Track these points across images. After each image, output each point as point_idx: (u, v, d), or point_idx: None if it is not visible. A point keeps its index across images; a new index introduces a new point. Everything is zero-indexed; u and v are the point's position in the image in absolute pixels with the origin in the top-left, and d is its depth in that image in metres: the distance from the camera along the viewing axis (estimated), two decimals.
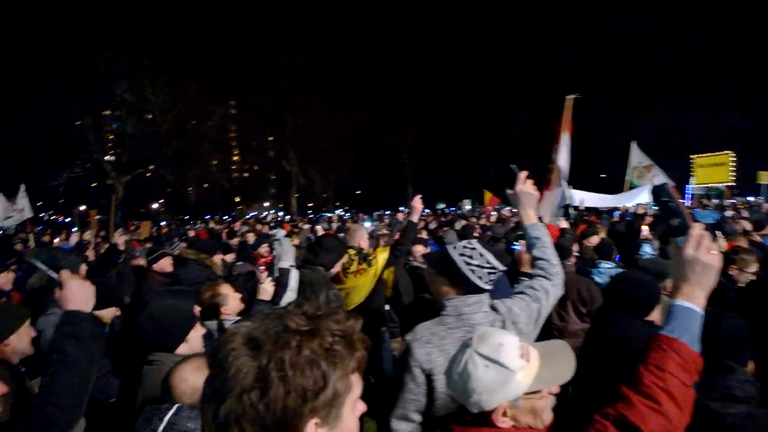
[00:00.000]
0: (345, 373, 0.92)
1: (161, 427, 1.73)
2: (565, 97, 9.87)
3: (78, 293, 1.94)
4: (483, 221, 13.40)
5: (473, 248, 2.23)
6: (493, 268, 2.20)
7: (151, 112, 30.46)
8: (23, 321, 2.51)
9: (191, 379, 1.93)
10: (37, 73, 25.27)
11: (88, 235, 11.14)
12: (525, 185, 2.48)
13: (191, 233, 13.63)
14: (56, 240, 12.76)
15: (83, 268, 5.60)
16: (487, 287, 2.20)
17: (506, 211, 18.32)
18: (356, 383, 0.96)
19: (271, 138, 41.76)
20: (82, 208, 20.94)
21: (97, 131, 29.60)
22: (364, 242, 4.81)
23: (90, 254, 8.20)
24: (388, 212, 26.70)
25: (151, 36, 28.28)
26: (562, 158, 9.48)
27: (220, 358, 0.89)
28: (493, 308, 2.23)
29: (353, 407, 0.97)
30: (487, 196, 20.94)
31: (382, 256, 4.40)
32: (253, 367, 0.86)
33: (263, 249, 7.46)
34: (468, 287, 2.17)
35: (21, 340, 2.47)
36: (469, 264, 2.18)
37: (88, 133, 28.59)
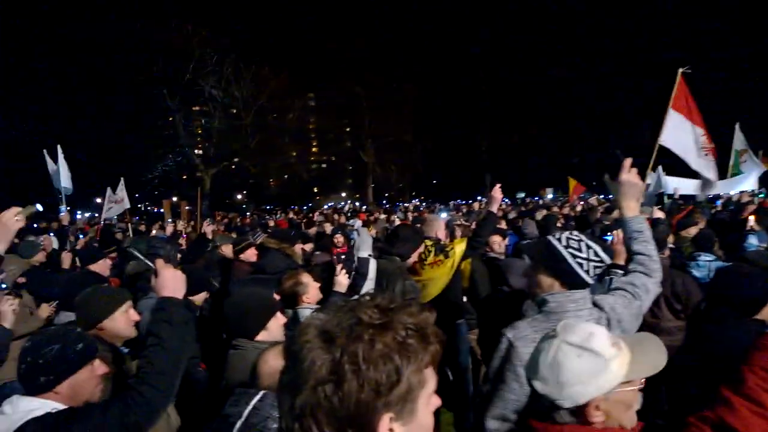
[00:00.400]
0: (419, 368, 0.90)
1: (246, 411, 1.81)
2: (678, 70, 8.85)
3: (171, 281, 2.08)
4: (566, 211, 12.88)
5: (579, 240, 2.14)
6: (600, 261, 2.10)
7: (236, 106, 31.96)
8: (119, 305, 2.60)
9: (273, 363, 2.00)
10: (134, 72, 27.20)
11: (181, 225, 11.90)
12: (630, 174, 2.33)
13: (271, 223, 14.18)
14: (153, 230, 13.78)
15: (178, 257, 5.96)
16: (592, 282, 2.10)
17: (593, 199, 17.48)
18: (430, 378, 0.95)
19: (348, 129, 42.56)
20: (174, 199, 22.40)
21: (187, 126, 31.56)
22: (441, 233, 4.76)
23: (182, 243, 8.76)
24: (464, 202, 26.34)
25: (238, 32, 29.60)
26: (670, 139, 8.53)
27: (295, 349, 0.91)
28: (596, 305, 2.13)
29: (428, 402, 0.95)
30: (572, 183, 19.85)
31: (460, 247, 4.34)
32: (327, 360, 0.87)
33: (338, 239, 7.62)
34: (574, 281, 2.09)
35: (115, 324, 2.56)
36: (575, 256, 2.09)
37: (179, 129, 30.55)
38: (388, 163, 41.16)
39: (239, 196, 48.74)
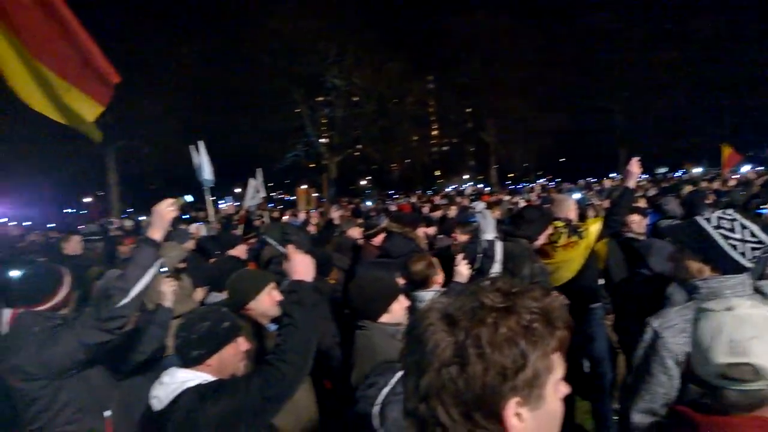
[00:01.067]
0: (545, 353, 0.89)
1: (385, 390, 1.90)
2: None
3: (301, 265, 2.22)
4: (717, 185, 11.52)
5: (733, 219, 1.94)
6: (759, 242, 1.89)
7: (357, 95, 33.01)
8: (263, 287, 2.85)
9: None
10: (263, 68, 29.20)
11: (313, 212, 12.67)
12: None
13: (393, 208, 14.50)
14: (285, 216, 14.81)
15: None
16: (750, 265, 1.90)
17: (752, 172, 15.42)
18: (558, 363, 0.92)
19: (468, 110, 41.87)
20: (303, 187, 23.84)
21: (312, 116, 33.31)
22: (572, 213, 4.54)
23: (311, 229, 9.31)
24: (595, 180, 24.69)
25: (360, 22, 30.39)
26: None
27: (418, 332, 0.92)
28: (759, 291, 1.92)
29: (556, 388, 0.93)
30: (726, 151, 17.01)
31: (594, 227, 4.09)
32: (450, 343, 0.88)
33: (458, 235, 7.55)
34: (727, 265, 1.90)
35: (260, 305, 2.82)
36: (728, 238, 1.90)
37: (306, 119, 32.35)
38: (511, 143, 39.78)
39: (363, 182, 50.45)
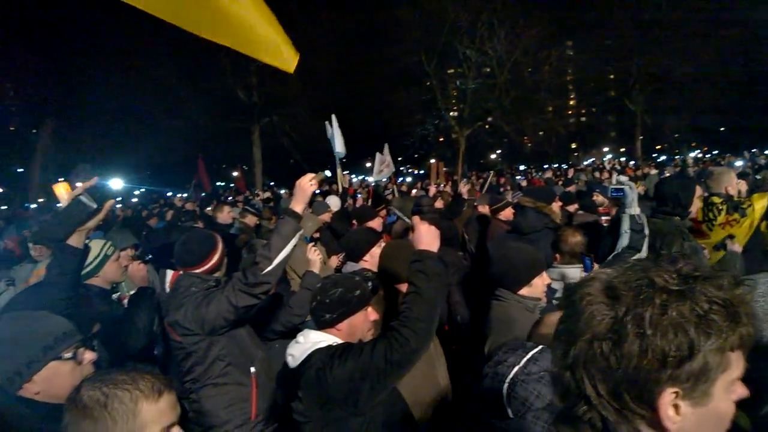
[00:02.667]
0: (721, 348, 0.80)
1: (524, 359, 1.88)
2: None
3: (426, 235, 2.24)
4: None
5: None
6: None
7: (490, 65, 32.00)
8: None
9: (543, 330, 2.04)
10: (397, 43, 29.46)
11: (441, 187, 12.71)
12: None
13: (524, 183, 14.00)
14: (414, 191, 15.01)
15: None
16: None
17: None
18: (736, 362, 0.83)
19: (611, 76, 38.52)
20: (432, 161, 23.86)
21: (443, 89, 33.03)
22: (732, 188, 4.03)
23: (438, 203, 9.33)
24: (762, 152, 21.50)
25: None
26: None
27: (575, 300, 0.89)
28: None
29: (728, 389, 0.83)
30: None
31: (760, 203, 3.60)
32: (608, 317, 0.84)
33: (599, 198, 7.09)
34: None
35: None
36: None
37: (436, 92, 32.19)
38: (660, 111, 35.90)
39: (493, 156, 49.27)
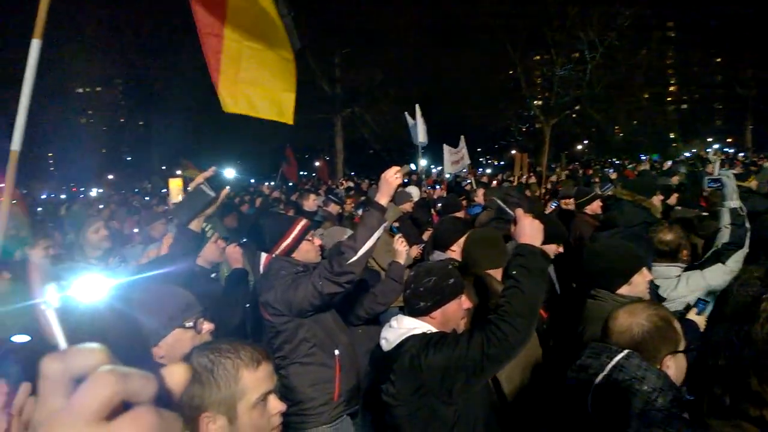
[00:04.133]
0: None
1: (609, 366, 1.80)
2: None
3: (529, 229, 2.20)
4: None
5: None
6: None
7: (580, 50, 30.54)
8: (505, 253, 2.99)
9: (623, 321, 1.94)
10: (480, 30, 28.90)
11: (524, 178, 12.40)
12: None
13: (614, 176, 13.33)
14: (494, 182, 14.74)
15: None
16: None
17: None
18: None
19: (718, 60, 35.57)
20: (513, 152, 23.30)
21: (528, 77, 31.98)
22: None
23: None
24: None
25: None
26: None
27: (760, 309, 0.89)
28: None
29: None
30: None
31: None
32: None
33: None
34: None
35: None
36: None
37: (521, 80, 31.23)
38: None
39: (579, 147, 47.20)
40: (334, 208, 8.07)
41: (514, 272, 2.13)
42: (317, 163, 30.81)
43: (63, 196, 22.20)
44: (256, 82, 3.59)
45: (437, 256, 4.05)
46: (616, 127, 39.10)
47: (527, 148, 31.12)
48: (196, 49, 3.57)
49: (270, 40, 3.55)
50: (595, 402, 1.80)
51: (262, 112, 3.66)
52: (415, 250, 5.41)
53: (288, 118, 3.70)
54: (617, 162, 29.29)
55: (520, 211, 2.26)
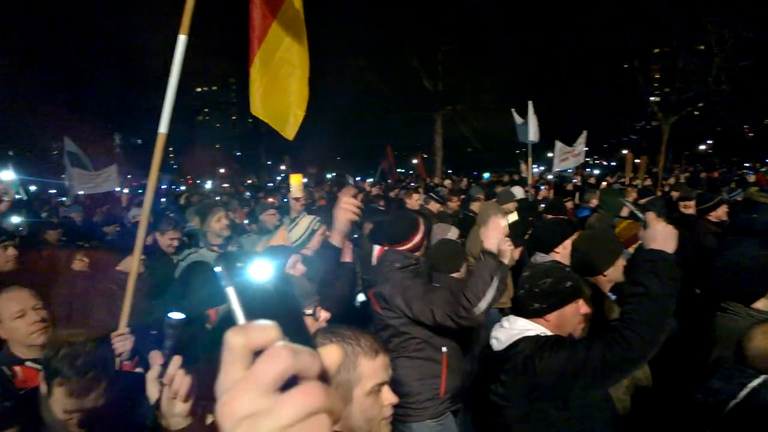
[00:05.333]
0: None
1: (744, 393, 1.69)
2: None
3: (661, 234, 2.10)
4: None
5: None
6: None
7: (707, 40, 27.98)
8: (619, 255, 2.93)
9: (761, 344, 1.79)
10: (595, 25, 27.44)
11: (637, 181, 11.69)
12: None
13: (751, 178, 12.14)
14: (603, 183, 14.01)
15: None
16: None
17: None
18: None
19: None
20: (624, 151, 21.93)
21: (644, 71, 29.89)
22: None
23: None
24: None
25: None
26: None
27: None
28: None
29: None
30: None
31: None
32: None
33: None
34: None
35: (616, 272, 2.93)
36: None
37: (638, 75, 29.24)
38: None
39: (702, 147, 43.43)
40: (434, 207, 8.10)
41: (643, 278, 2.04)
42: (415, 161, 31.00)
43: (182, 188, 24.15)
44: (276, 90, 3.70)
45: (539, 258, 3.97)
46: (745, 127, 35.49)
47: (640, 147, 29.18)
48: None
49: (298, 56, 3.65)
50: (725, 429, 1.69)
51: (274, 122, 3.76)
52: (517, 252, 5.32)
53: (289, 134, 3.75)
54: (746, 164, 26.60)
55: (651, 215, 2.16)
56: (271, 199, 10.21)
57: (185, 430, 1.44)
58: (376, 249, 3.45)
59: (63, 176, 15.04)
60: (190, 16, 2.79)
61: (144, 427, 1.98)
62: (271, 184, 25.20)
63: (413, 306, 2.99)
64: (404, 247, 3.31)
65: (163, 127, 2.81)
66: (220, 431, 0.46)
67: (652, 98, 30.41)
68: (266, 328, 0.48)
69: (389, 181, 17.65)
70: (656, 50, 31.01)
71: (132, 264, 2.71)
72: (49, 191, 21.65)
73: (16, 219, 3.29)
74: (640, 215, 2.21)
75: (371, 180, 18.05)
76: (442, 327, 2.98)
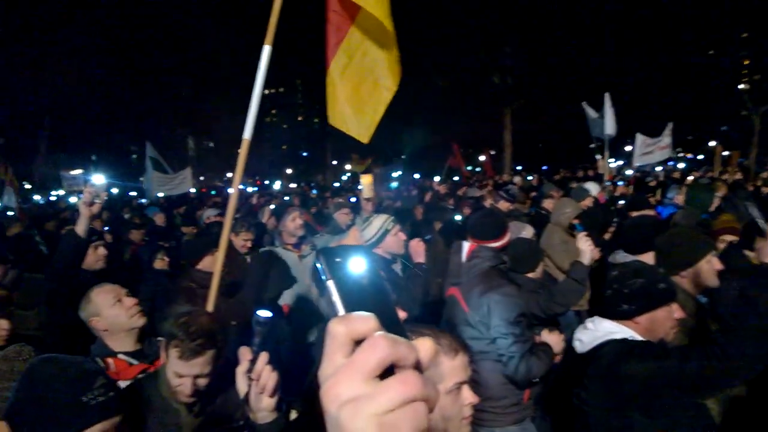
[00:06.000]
0: None
1: None
2: None
3: None
4: None
5: None
6: None
7: None
8: (705, 254, 2.76)
9: None
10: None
11: (726, 175, 10.98)
12: None
13: None
14: (690, 178, 13.22)
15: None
16: None
17: None
18: None
19: None
20: (712, 143, 20.65)
21: (733, 55, 28.02)
22: None
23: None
24: None
25: None
26: None
27: None
28: None
29: None
30: None
31: None
32: None
33: None
34: None
35: (700, 272, 2.76)
36: None
37: (724, 62, 27.47)
38: None
39: None
40: (503, 205, 7.92)
41: (754, 292, 1.92)
42: (481, 157, 30.58)
43: (250, 189, 25.04)
44: (350, 98, 3.70)
45: (620, 257, 3.81)
46: None
47: (730, 139, 27.33)
48: None
49: (377, 63, 3.63)
50: None
51: (352, 129, 3.75)
52: (596, 252, 5.12)
53: (364, 137, 3.75)
54: None
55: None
56: (339, 199, 10.39)
57: (271, 424, 1.49)
58: (466, 246, 3.44)
59: (141, 179, 16.03)
60: (274, 29, 2.91)
61: (232, 419, 2.09)
62: (337, 184, 25.63)
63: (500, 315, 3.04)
64: (496, 245, 3.33)
65: (248, 133, 2.92)
66: (325, 412, 0.49)
67: (740, 86, 28.38)
68: (366, 319, 0.51)
69: (456, 178, 17.51)
70: (744, 35, 28.92)
71: (216, 263, 2.80)
72: (129, 193, 23.12)
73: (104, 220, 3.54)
74: (763, 224, 2.06)
75: (438, 178, 17.94)
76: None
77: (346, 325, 0.51)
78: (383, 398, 0.47)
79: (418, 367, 0.51)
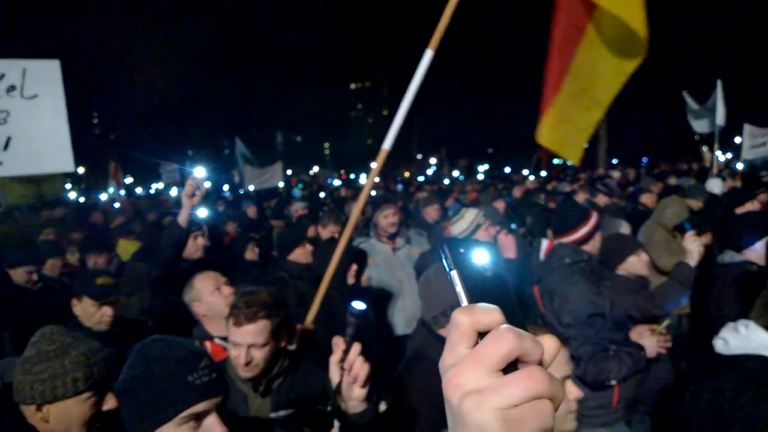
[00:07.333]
0: None
1: None
2: None
3: None
4: None
5: None
6: None
7: None
8: None
9: None
10: None
11: None
12: None
13: None
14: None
15: None
16: None
17: None
18: None
19: None
20: None
21: None
22: None
23: None
24: None
25: None
26: None
27: None
28: None
29: None
30: None
31: None
32: None
33: None
34: None
35: None
36: None
37: None
38: None
39: None
40: (601, 200, 7.58)
41: None
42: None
43: (336, 182, 25.60)
44: (568, 119, 3.46)
45: (728, 257, 3.54)
46: None
47: None
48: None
49: (600, 75, 3.38)
50: None
51: (563, 151, 3.57)
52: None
53: (575, 158, 3.56)
54: None
55: None
56: (424, 193, 10.39)
57: (362, 413, 1.53)
58: (544, 243, 3.35)
59: (232, 172, 16.83)
60: (441, 34, 2.77)
61: (317, 410, 2.16)
62: (422, 178, 25.62)
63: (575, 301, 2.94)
64: (571, 238, 3.20)
65: (388, 143, 2.81)
66: (447, 402, 0.50)
67: None
68: (491, 311, 0.51)
69: (544, 173, 16.98)
70: None
71: (333, 261, 2.76)
72: (221, 187, 24.45)
73: (203, 212, 3.73)
74: None
75: (526, 171, 17.50)
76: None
77: (471, 316, 0.51)
78: (509, 392, 0.46)
79: (541, 363, 0.50)
